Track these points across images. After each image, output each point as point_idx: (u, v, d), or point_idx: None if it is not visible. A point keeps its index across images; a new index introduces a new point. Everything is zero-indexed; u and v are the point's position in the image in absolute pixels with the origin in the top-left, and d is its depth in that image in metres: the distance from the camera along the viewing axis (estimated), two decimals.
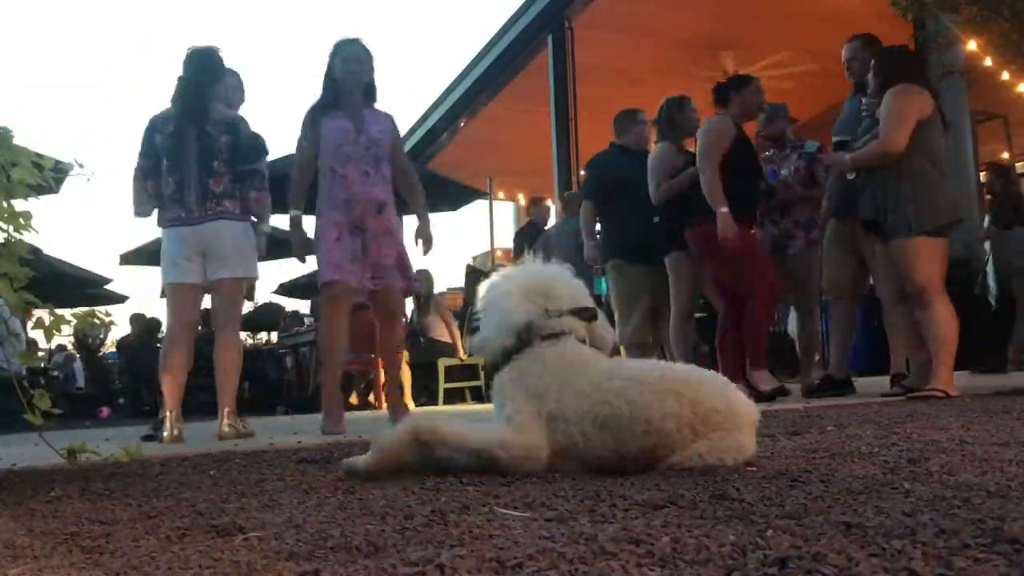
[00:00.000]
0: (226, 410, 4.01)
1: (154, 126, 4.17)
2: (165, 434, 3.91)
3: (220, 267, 4.08)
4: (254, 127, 4.23)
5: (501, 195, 16.06)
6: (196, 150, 4.06)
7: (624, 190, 5.43)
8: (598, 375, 1.84)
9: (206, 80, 4.16)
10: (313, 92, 4.35)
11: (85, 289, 11.66)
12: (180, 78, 4.21)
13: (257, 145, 4.19)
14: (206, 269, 4.09)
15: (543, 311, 1.93)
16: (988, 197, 8.04)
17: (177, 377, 4.06)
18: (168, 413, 3.96)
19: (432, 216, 4.49)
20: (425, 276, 9.43)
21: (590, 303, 2.03)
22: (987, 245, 7.67)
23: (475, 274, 9.50)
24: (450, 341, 8.86)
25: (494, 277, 2.09)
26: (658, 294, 5.42)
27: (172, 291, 4.14)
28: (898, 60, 4.55)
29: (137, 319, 11.70)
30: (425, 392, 8.89)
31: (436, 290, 9.60)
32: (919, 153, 4.29)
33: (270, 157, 4.36)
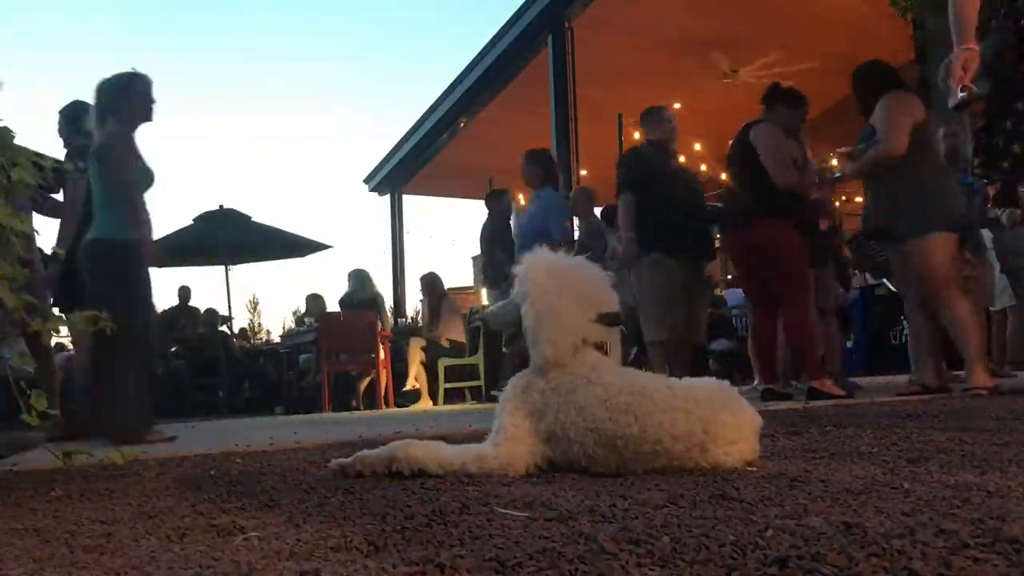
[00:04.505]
0: None
1: None
2: None
3: None
4: None
5: None
6: None
7: (659, 184, 5.40)
8: (604, 390, 1.75)
9: None
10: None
11: None
12: None
13: None
14: None
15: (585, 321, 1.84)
16: None
17: None
18: None
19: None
20: (432, 279, 9.40)
21: (616, 306, 1.92)
22: (989, 243, 7.63)
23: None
24: (464, 341, 8.86)
25: (536, 274, 1.88)
26: (693, 292, 5.41)
27: None
28: (872, 75, 4.65)
29: None
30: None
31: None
32: (923, 156, 4.36)
33: None
